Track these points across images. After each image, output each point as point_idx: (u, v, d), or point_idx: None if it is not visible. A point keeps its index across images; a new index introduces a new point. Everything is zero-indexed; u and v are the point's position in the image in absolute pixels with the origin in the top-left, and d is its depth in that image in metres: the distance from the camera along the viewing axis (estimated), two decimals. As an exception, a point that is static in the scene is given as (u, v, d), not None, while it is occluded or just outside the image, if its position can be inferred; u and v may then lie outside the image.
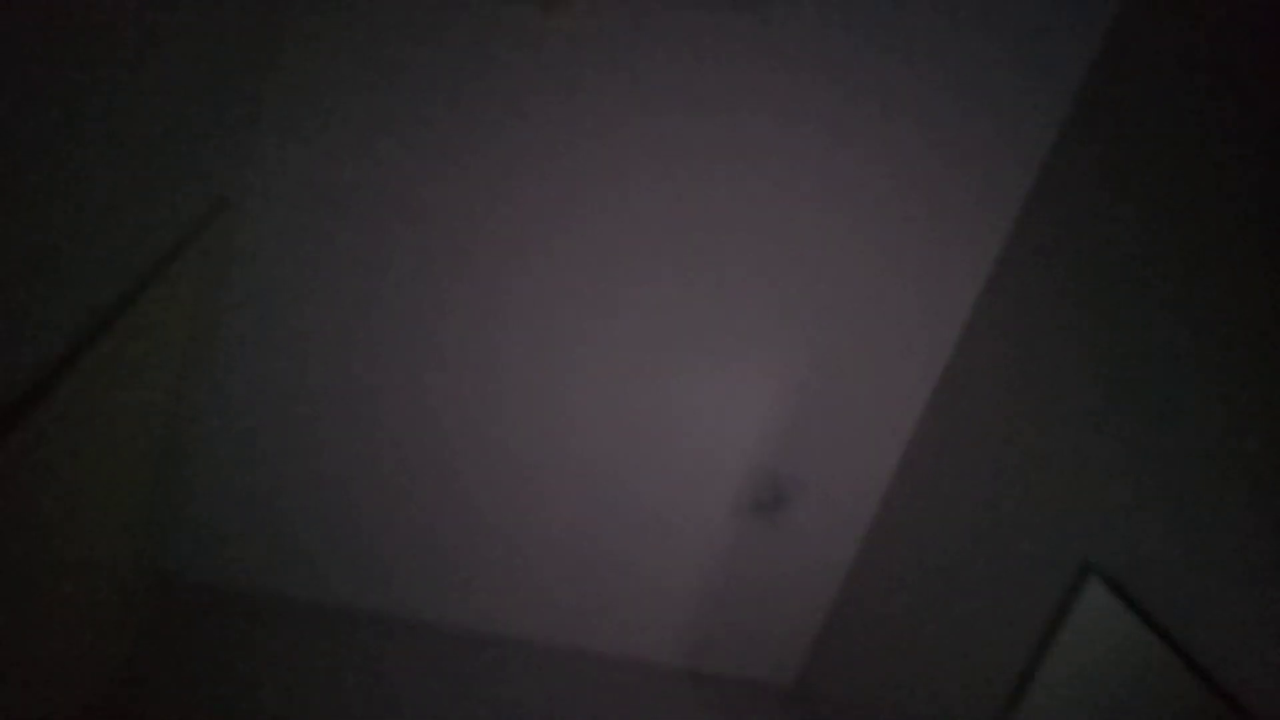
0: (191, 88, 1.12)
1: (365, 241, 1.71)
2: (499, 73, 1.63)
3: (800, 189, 1.78)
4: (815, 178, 1.77)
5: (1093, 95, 1.73)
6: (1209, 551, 1.28)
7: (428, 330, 1.79)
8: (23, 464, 0.82)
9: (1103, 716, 1.35)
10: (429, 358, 1.81)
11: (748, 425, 1.95)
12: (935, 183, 1.80)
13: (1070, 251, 1.69)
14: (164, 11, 0.95)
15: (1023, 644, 1.57)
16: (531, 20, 1.58)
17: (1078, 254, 1.67)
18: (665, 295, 1.82)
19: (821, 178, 1.77)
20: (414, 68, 1.61)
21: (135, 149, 0.97)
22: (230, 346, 1.75)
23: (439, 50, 1.60)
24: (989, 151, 1.79)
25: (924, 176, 1.80)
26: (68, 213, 0.83)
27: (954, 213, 1.83)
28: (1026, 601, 1.59)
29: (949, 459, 1.88)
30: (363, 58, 1.59)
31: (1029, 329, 1.75)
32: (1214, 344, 1.36)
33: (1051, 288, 1.71)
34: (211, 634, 1.79)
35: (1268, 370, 1.27)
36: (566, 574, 2.03)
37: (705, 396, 1.91)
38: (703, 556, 2.05)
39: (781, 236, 1.81)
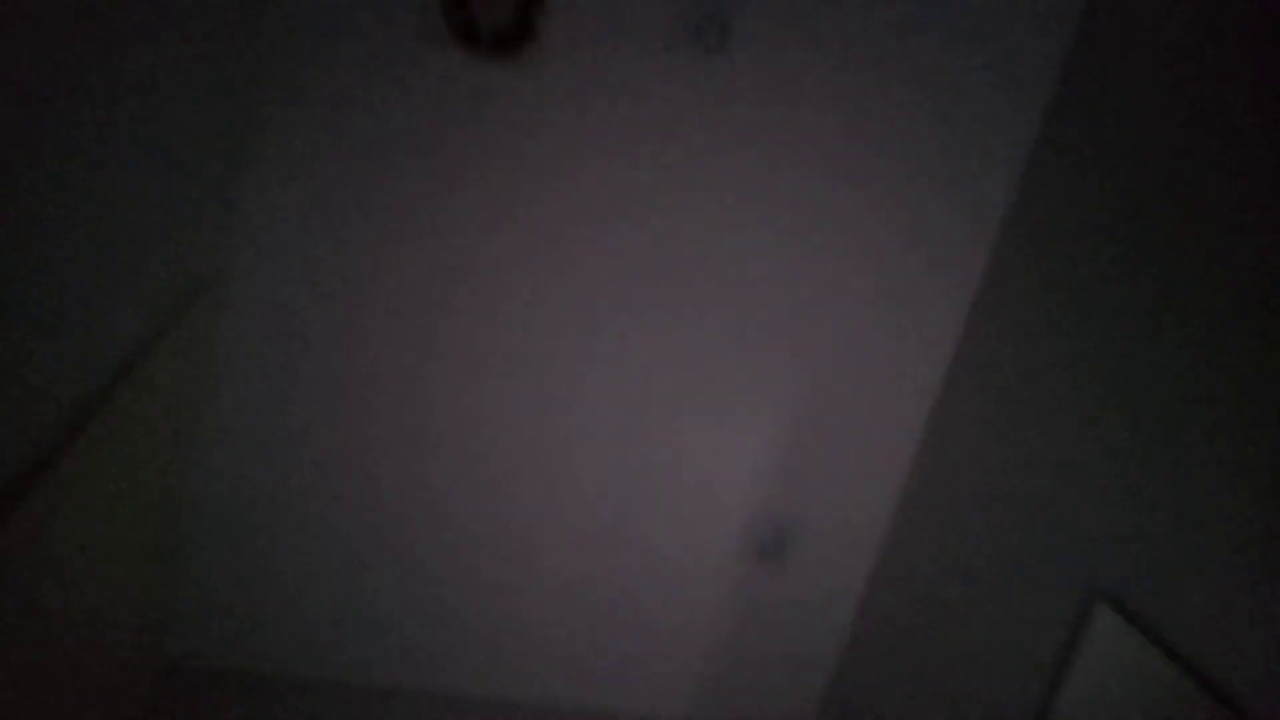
0: (167, 165, 1.14)
1: (352, 308, 1.72)
2: (477, 128, 1.65)
3: (784, 227, 1.79)
4: (799, 214, 1.79)
5: (1068, 94, 1.75)
6: (1215, 569, 1.26)
7: (419, 393, 1.79)
8: (17, 555, 0.82)
9: (1123, 747, 1.32)
10: (422, 421, 1.81)
11: (747, 470, 1.94)
12: (916, 209, 1.82)
13: (1058, 264, 1.70)
14: (138, 92, 0.96)
15: (1036, 675, 1.54)
16: (490, 74, 1.61)
17: (1066, 266, 1.68)
18: (658, 346, 1.83)
19: (805, 213, 1.79)
20: (389, 133, 1.63)
21: (115, 230, 0.98)
22: (219, 424, 1.75)
23: (414, 111, 1.63)
24: (967, 168, 1.81)
25: (905, 203, 1.81)
26: (45, 299, 0.83)
27: (936, 237, 1.84)
28: (1036, 631, 1.56)
29: (948, 489, 1.87)
30: (336, 127, 1.62)
31: (1021, 350, 1.75)
32: (1212, 358, 1.36)
33: (1041, 306, 1.72)
34: (216, 717, 1.76)
35: (1268, 382, 1.27)
36: (574, 632, 2.00)
37: (702, 445, 1.90)
38: (710, 605, 2.03)
39: (769, 278, 1.82)
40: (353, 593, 1.89)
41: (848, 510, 2.00)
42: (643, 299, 1.80)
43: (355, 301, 1.72)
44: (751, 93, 1.69)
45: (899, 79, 1.73)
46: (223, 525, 1.81)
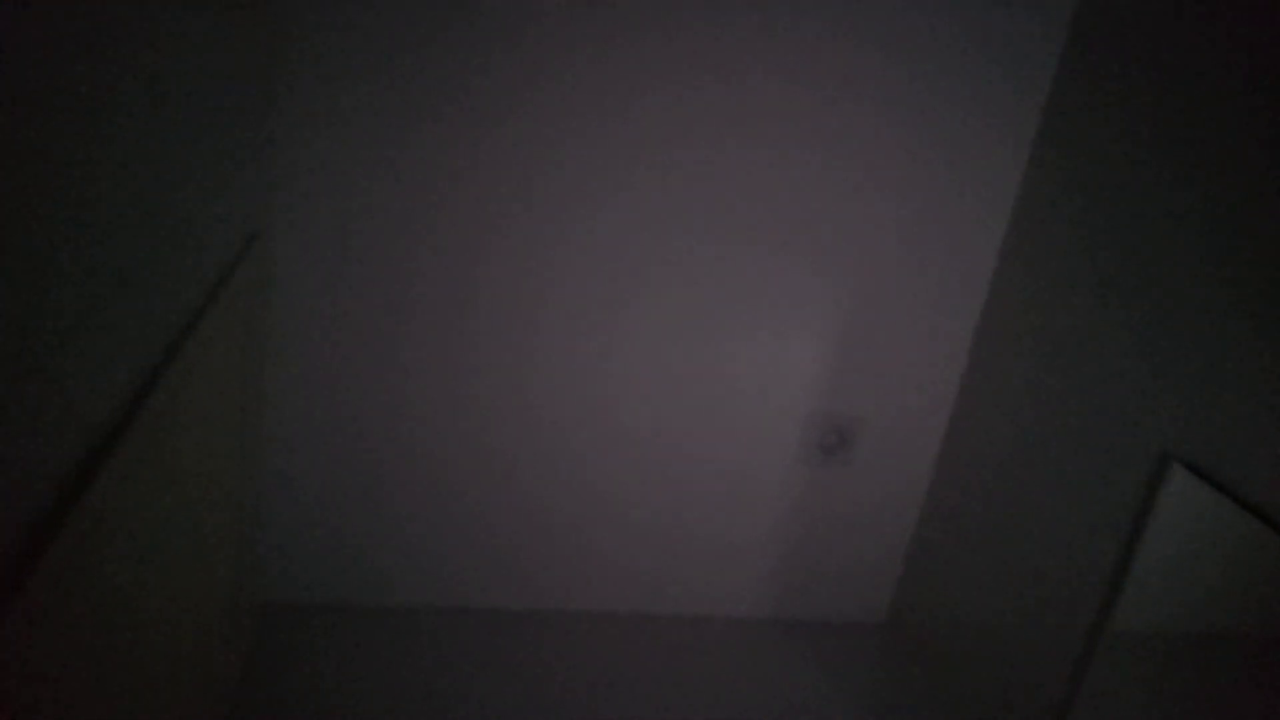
0: (204, 124, 1.14)
1: (396, 244, 1.73)
2: (515, 56, 1.62)
3: (825, 138, 1.75)
4: (838, 124, 1.75)
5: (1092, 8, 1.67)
6: (1290, 421, 1.25)
7: (466, 321, 1.80)
8: (107, 513, 0.85)
9: (1204, 602, 1.33)
10: (470, 349, 1.82)
11: (802, 374, 1.94)
12: (955, 93, 1.77)
13: (1118, 122, 1.65)
14: (170, 57, 0.96)
15: (1111, 543, 1.55)
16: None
17: (1126, 122, 1.63)
18: (705, 258, 1.82)
19: (844, 122, 1.75)
20: (423, 66, 1.61)
21: (159, 194, 0.99)
22: (278, 375, 1.79)
23: (448, 43, 1.60)
24: (1005, 59, 1.75)
25: (943, 110, 1.76)
26: (102, 268, 0.84)
27: (978, 122, 1.79)
28: (1109, 500, 1.57)
29: (1012, 368, 1.86)
30: (365, 64, 1.60)
31: (1081, 214, 1.71)
32: (1261, 218, 1.32)
33: (1100, 168, 1.67)
34: (303, 651, 1.84)
35: (1326, 227, 1.23)
36: (642, 545, 2.05)
37: (757, 352, 1.90)
38: (776, 508, 2.06)
39: (810, 187, 1.79)
40: (416, 523, 1.95)
41: (909, 401, 2.00)
42: (692, 220, 1.78)
43: (398, 229, 1.72)
44: (790, 27, 1.64)
45: (930, 6, 1.66)
46: (292, 471, 1.86)
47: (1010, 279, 1.87)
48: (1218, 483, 1.35)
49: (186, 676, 1.24)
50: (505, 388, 1.86)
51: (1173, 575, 1.39)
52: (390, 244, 1.72)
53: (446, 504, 1.94)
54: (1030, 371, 1.79)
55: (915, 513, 2.12)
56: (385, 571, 1.98)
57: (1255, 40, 1.34)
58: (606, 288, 1.81)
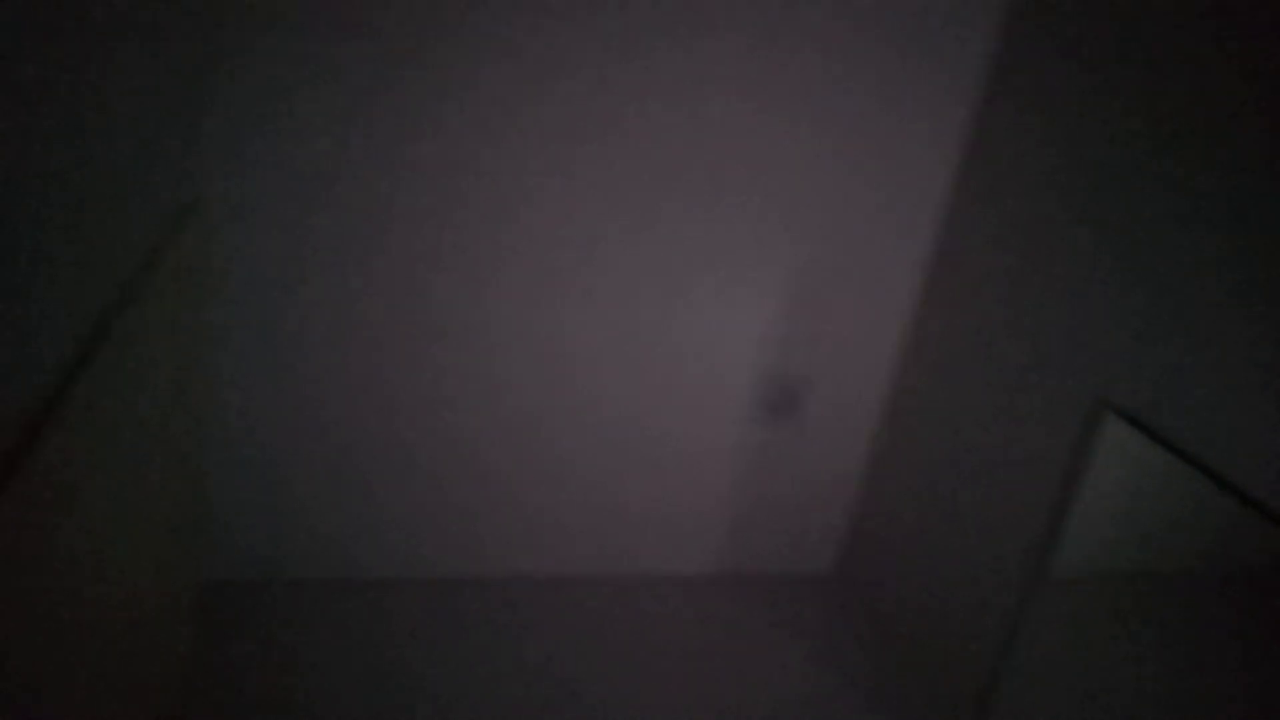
0: (151, 87, 1.09)
1: (345, 211, 1.68)
2: (466, 21, 1.58)
3: (768, 98, 1.75)
4: (783, 84, 1.74)
5: (1037, -64, 1.69)
6: (1213, 373, 1.31)
7: (417, 290, 1.77)
8: (40, 491, 0.82)
9: (1140, 547, 1.39)
10: (421, 318, 1.80)
11: (750, 335, 1.95)
12: (897, 69, 1.78)
13: (1054, 83, 1.68)
14: (118, 17, 0.91)
15: (1049, 491, 1.61)
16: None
17: (1061, 82, 1.66)
18: (655, 226, 1.81)
19: (789, 88, 1.75)
20: (373, 27, 1.56)
21: (101, 158, 0.95)
22: (223, 344, 1.74)
23: (401, 6, 1.55)
24: (944, 16, 1.76)
25: (886, 64, 1.77)
26: (39, 231, 0.81)
27: (921, 88, 1.81)
28: (1047, 449, 1.62)
29: (954, 324, 1.90)
30: (312, 26, 1.54)
31: (1017, 175, 1.74)
32: (1211, 169, 1.36)
33: (1036, 130, 1.71)
34: (250, 631, 1.82)
35: (1266, 190, 1.28)
36: (594, 507, 2.06)
37: (705, 315, 1.91)
38: (725, 466, 2.08)
39: (755, 147, 1.79)
40: (365, 494, 1.93)
41: (854, 361, 2.04)
42: (641, 188, 1.76)
43: (351, 205, 1.67)
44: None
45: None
46: (236, 447, 1.82)
47: (952, 239, 1.90)
48: (1150, 430, 1.40)
49: (135, 658, 1.22)
50: (455, 355, 1.84)
51: (1108, 520, 1.46)
52: (340, 211, 1.68)
53: (397, 475, 1.92)
54: (970, 327, 1.83)
55: (860, 468, 2.17)
56: (336, 545, 1.95)
57: (1175, 19, 1.37)
58: (556, 256, 1.80)
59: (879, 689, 1.92)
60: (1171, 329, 1.38)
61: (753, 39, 1.71)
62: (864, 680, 1.94)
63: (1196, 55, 1.36)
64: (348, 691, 1.71)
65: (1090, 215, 1.54)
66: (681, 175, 1.79)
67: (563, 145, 1.72)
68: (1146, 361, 1.43)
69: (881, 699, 1.89)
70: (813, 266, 1.92)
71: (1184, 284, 1.37)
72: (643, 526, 2.11)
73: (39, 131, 0.77)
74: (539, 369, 1.89)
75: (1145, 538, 1.38)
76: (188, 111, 1.43)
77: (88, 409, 0.91)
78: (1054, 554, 1.56)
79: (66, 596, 0.87)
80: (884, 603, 2.07)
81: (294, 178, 1.64)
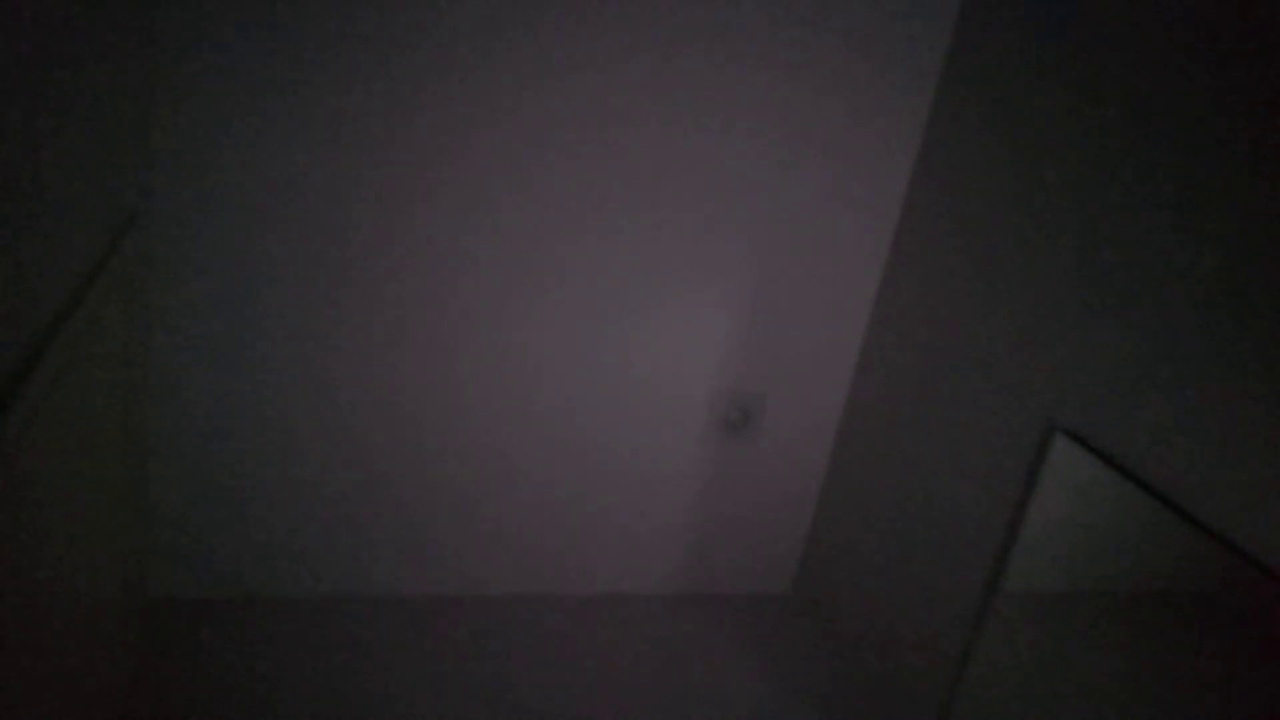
0: (93, 95, 1.07)
1: (289, 224, 1.67)
2: (416, 34, 1.57)
3: (727, 113, 1.76)
4: (740, 99, 1.76)
5: (988, -37, 1.72)
6: (1158, 394, 1.32)
7: (364, 304, 1.76)
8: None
9: (1089, 562, 1.41)
10: (370, 331, 1.78)
11: (706, 353, 1.96)
12: (850, 78, 1.80)
13: (1000, 113, 1.71)
14: (57, 24, 0.89)
15: (1001, 510, 1.63)
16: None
17: (1006, 112, 1.68)
18: (612, 244, 1.81)
19: (744, 104, 1.76)
20: (318, 37, 1.55)
21: (41, 167, 0.93)
22: (169, 359, 1.71)
23: (345, 13, 1.54)
24: (901, 36, 1.79)
25: (839, 74, 1.79)
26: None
27: (875, 97, 1.83)
28: (999, 469, 1.64)
29: (906, 345, 1.91)
30: (254, 39, 1.53)
31: (967, 202, 1.77)
32: (1152, 193, 1.39)
33: (984, 154, 1.73)
34: (204, 649, 1.78)
35: (1207, 210, 1.30)
36: (552, 526, 2.04)
37: (662, 334, 1.91)
38: (683, 485, 2.08)
39: (710, 164, 1.80)
40: (322, 510, 1.90)
41: (810, 379, 2.05)
42: (598, 206, 1.77)
43: (309, 217, 1.66)
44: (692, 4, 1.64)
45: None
46: (185, 460, 1.79)
47: (903, 261, 1.92)
48: (1097, 450, 1.42)
49: (74, 678, 1.18)
50: (407, 370, 1.82)
51: (1058, 538, 1.47)
52: (283, 224, 1.66)
53: (347, 490, 1.89)
54: (923, 348, 1.85)
55: (817, 486, 2.18)
56: (292, 561, 1.92)
57: (1118, 39, 1.40)
58: (515, 272, 1.79)
59: (838, 706, 1.91)
60: (1117, 350, 1.41)
61: (711, 52, 1.72)
62: (823, 698, 1.93)
63: (1148, 67, 1.39)
64: (301, 710, 1.67)
65: (1037, 235, 1.57)
66: (641, 191, 1.79)
67: (519, 160, 1.71)
68: (1093, 382, 1.45)
69: (841, 716, 1.88)
70: (770, 283, 1.93)
71: (1127, 305, 1.39)
72: (600, 545, 2.09)
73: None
74: (494, 388, 1.88)
75: (1095, 555, 1.40)
76: (132, 119, 1.41)
77: (25, 422, 0.89)
78: (1007, 571, 1.57)
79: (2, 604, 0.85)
80: (842, 621, 2.07)
81: (246, 187, 1.62)
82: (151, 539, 1.83)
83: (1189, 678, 1.23)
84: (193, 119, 1.56)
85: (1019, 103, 1.62)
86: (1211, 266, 1.26)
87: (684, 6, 1.67)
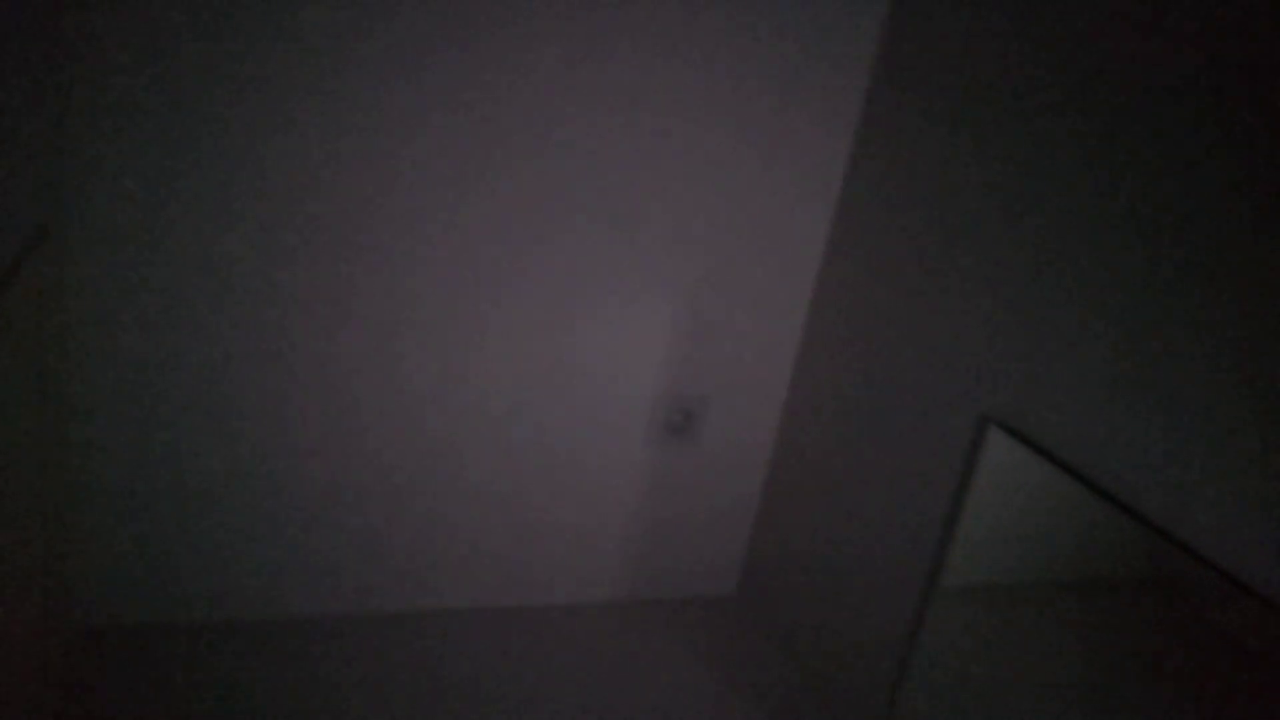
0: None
1: (211, 234, 1.61)
2: (339, 44, 1.54)
3: (657, 118, 1.75)
4: (670, 103, 1.75)
5: (912, -36, 1.75)
6: (1088, 386, 1.35)
7: (294, 316, 1.71)
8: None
9: (1027, 554, 1.43)
10: (298, 344, 1.73)
11: (647, 357, 1.95)
12: (781, 76, 1.81)
13: (934, 108, 1.73)
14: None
15: (939, 504, 1.64)
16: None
17: (941, 106, 1.71)
18: (551, 248, 1.79)
19: (675, 117, 1.76)
20: (245, 43, 1.50)
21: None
22: (98, 377, 1.64)
23: (269, 21, 1.50)
24: (828, 23, 1.80)
25: (770, 72, 1.80)
26: None
27: (807, 92, 1.84)
28: (936, 463, 1.66)
29: (843, 343, 1.93)
30: (174, 46, 1.48)
31: (901, 198, 1.79)
32: (1081, 179, 1.41)
33: (917, 148, 1.75)
34: (148, 677, 1.71)
35: (1137, 207, 1.33)
36: (495, 536, 2.01)
37: (603, 338, 1.90)
38: (625, 490, 2.06)
39: (647, 180, 1.79)
40: (263, 530, 1.84)
41: (750, 380, 2.05)
42: (537, 210, 1.74)
43: (218, 229, 1.60)
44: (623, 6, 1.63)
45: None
46: (113, 483, 1.72)
47: (839, 260, 1.94)
48: (1030, 441, 1.44)
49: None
50: (339, 382, 1.78)
51: (996, 531, 1.49)
52: (204, 234, 1.60)
53: (280, 507, 1.84)
54: (859, 346, 1.86)
55: (759, 486, 2.18)
56: (233, 584, 1.86)
57: (1050, 35, 1.43)
58: (450, 279, 1.76)
59: (786, 706, 1.91)
60: (1047, 339, 1.43)
61: (638, 50, 1.71)
62: (771, 698, 1.93)
63: (1079, 62, 1.42)
64: (231, 741, 1.62)
65: (965, 244, 1.59)
66: (578, 195, 1.78)
67: (454, 171, 1.69)
68: (1023, 373, 1.47)
69: (790, 716, 1.89)
70: (707, 285, 1.93)
71: (1054, 296, 1.42)
72: (544, 554, 2.07)
73: None
74: (433, 397, 1.84)
75: (1033, 546, 1.42)
76: (42, 130, 1.35)
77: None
78: (946, 565, 1.58)
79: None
80: (787, 621, 2.08)
81: (150, 205, 1.57)
82: (85, 564, 1.75)
83: (1130, 664, 1.26)
84: (108, 129, 1.50)
85: (953, 96, 1.64)
86: (1142, 254, 1.29)
87: (604, 5, 1.66)
